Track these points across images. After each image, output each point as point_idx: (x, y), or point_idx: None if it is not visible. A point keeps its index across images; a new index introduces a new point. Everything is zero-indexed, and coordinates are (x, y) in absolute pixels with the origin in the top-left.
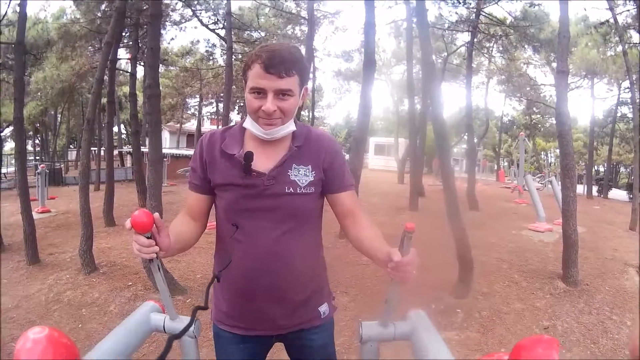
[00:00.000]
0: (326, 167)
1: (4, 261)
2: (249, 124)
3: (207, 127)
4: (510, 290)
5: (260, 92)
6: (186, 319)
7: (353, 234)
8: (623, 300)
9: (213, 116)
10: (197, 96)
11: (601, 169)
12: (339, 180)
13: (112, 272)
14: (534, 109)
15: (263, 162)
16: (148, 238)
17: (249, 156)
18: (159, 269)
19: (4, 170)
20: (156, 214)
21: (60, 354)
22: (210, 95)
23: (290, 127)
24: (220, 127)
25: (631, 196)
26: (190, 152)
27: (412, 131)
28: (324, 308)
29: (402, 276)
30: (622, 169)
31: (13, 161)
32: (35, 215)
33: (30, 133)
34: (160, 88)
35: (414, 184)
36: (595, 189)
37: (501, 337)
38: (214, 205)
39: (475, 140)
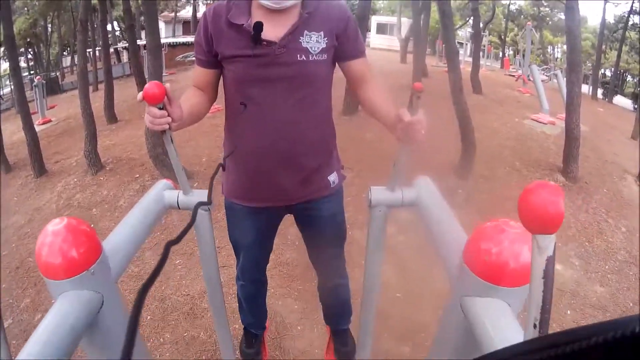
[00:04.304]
0: (339, 33)
1: (11, 180)
2: None
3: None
4: (511, 177)
5: None
6: (199, 192)
7: (364, 98)
8: (619, 205)
9: (208, 1)
10: None
11: (608, 73)
12: (351, 46)
13: (119, 167)
14: (543, 1)
15: (273, 31)
16: (160, 109)
17: (258, 26)
18: (171, 141)
19: (0, 92)
20: (167, 84)
21: (81, 241)
22: None
23: None
24: None
25: (636, 106)
26: (187, 39)
27: (415, 10)
28: (333, 177)
29: (412, 136)
30: (629, 78)
31: (8, 82)
32: (37, 128)
33: (22, 50)
34: None
35: (417, 64)
36: (600, 92)
37: None
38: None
39: (481, 26)
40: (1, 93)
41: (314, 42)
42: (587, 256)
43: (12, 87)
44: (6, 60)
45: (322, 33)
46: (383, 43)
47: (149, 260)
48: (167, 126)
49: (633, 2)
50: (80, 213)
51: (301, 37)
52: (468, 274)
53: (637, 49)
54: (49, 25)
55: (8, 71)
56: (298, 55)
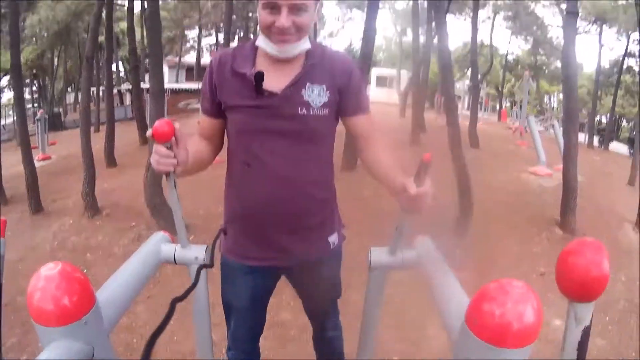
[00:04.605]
0: (342, 88)
1: (7, 214)
2: (261, 41)
3: (207, 59)
4: (509, 233)
5: (274, 7)
6: (196, 248)
7: (367, 158)
8: (618, 255)
9: (213, 47)
10: (196, 27)
11: (603, 119)
12: (355, 102)
13: (115, 213)
14: (540, 50)
15: (276, 81)
16: (168, 149)
17: (259, 76)
18: (174, 186)
19: (2, 122)
20: (177, 124)
21: (74, 289)
22: (209, 26)
23: (305, 44)
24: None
25: (632, 151)
26: (191, 85)
27: (415, 63)
28: (333, 238)
29: (416, 208)
30: (624, 123)
31: (11, 112)
32: (36, 163)
33: (28, 80)
34: None
35: (415, 118)
36: (596, 139)
37: None
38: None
39: (479, 77)
40: (4, 123)
41: (316, 95)
42: None
43: (15, 118)
44: (11, 89)
45: (324, 86)
46: (382, 96)
47: (141, 313)
48: (172, 168)
49: (628, 45)
50: (74, 256)
51: (303, 89)
52: (470, 337)
53: (632, 92)
54: (56, 59)
55: (12, 101)
56: (299, 109)
